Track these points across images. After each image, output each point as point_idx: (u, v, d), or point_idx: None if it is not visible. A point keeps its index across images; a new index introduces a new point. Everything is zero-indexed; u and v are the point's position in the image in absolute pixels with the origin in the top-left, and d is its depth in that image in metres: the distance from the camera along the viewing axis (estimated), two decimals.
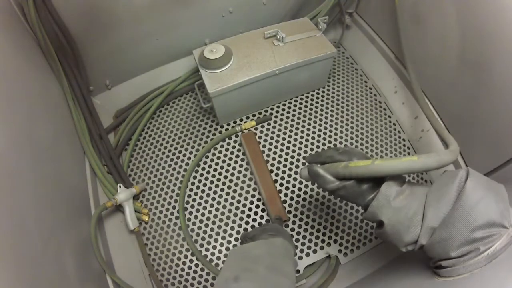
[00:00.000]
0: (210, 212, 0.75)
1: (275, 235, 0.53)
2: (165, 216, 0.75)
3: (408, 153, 0.85)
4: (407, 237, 0.37)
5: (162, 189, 0.79)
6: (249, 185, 0.79)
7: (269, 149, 0.83)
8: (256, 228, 0.64)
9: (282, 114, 0.90)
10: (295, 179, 0.79)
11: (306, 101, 0.92)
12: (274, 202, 0.73)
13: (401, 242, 0.38)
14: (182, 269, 0.70)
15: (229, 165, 0.81)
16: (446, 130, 0.55)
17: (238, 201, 0.76)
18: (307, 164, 0.49)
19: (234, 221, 0.74)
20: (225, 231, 0.73)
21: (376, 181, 0.42)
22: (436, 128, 0.58)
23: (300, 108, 0.91)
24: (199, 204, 0.76)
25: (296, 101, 0.92)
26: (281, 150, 0.83)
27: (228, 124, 0.88)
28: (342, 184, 0.42)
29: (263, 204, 0.76)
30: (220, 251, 0.71)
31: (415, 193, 0.39)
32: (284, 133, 0.86)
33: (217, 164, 0.81)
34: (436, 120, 0.62)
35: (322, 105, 0.92)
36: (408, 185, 0.40)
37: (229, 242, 0.72)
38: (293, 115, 0.90)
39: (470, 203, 0.33)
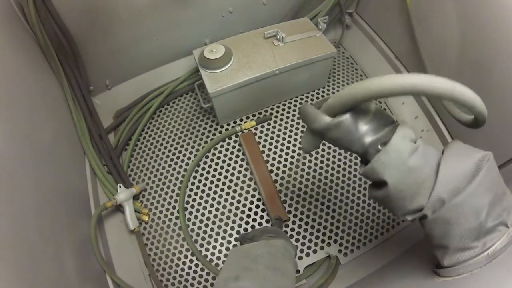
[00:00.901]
0: (210, 212, 0.75)
1: (275, 236, 0.53)
2: (165, 216, 0.75)
3: None
4: (412, 204, 0.33)
5: (162, 189, 0.79)
6: (249, 185, 0.79)
7: (269, 149, 0.83)
8: (256, 229, 0.64)
9: (282, 114, 0.90)
10: (295, 179, 0.79)
11: (306, 101, 0.92)
12: (274, 202, 0.73)
13: (403, 208, 0.33)
14: (182, 269, 0.70)
15: (229, 165, 0.81)
16: None
17: (238, 201, 0.76)
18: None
19: (234, 221, 0.74)
20: (225, 231, 0.73)
21: (380, 123, 0.35)
22: None
23: None
24: (199, 204, 0.76)
25: (296, 101, 0.92)
26: (281, 150, 0.83)
27: (228, 124, 0.88)
28: (336, 120, 0.33)
29: (263, 204, 0.76)
30: (220, 251, 0.71)
31: (428, 153, 0.33)
32: (284, 133, 0.86)
33: (217, 164, 0.81)
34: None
35: None
36: (421, 142, 0.34)
37: (229, 242, 0.72)
38: (293, 115, 0.90)
39: (478, 193, 0.32)
